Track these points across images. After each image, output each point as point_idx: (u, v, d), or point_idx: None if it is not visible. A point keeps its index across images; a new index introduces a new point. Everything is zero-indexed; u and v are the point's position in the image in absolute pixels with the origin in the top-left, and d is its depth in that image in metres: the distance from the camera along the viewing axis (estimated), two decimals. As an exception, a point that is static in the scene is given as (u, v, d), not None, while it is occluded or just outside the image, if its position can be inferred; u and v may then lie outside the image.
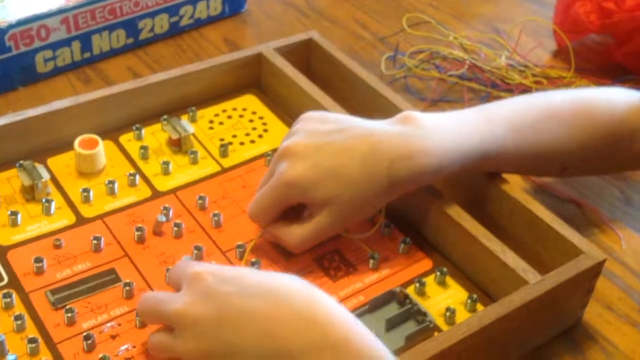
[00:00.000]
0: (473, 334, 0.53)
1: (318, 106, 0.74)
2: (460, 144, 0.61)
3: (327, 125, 0.62)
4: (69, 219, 0.65)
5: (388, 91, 0.77)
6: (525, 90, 0.86)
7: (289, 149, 0.60)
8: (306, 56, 0.84)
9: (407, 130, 0.60)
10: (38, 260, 0.60)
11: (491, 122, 0.63)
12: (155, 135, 0.73)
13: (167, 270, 0.60)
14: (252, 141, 0.74)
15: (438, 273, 0.61)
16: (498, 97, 0.85)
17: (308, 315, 0.47)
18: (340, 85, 0.81)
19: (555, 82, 0.88)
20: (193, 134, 0.72)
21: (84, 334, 0.55)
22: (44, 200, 0.65)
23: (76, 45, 0.83)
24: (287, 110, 0.78)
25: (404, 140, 0.59)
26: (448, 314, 0.58)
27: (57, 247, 0.62)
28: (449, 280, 0.62)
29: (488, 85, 0.87)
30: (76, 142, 0.68)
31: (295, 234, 0.60)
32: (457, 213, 0.63)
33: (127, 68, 0.85)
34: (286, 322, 0.47)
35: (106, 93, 0.72)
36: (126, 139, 0.73)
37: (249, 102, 0.79)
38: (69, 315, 0.56)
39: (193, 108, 0.76)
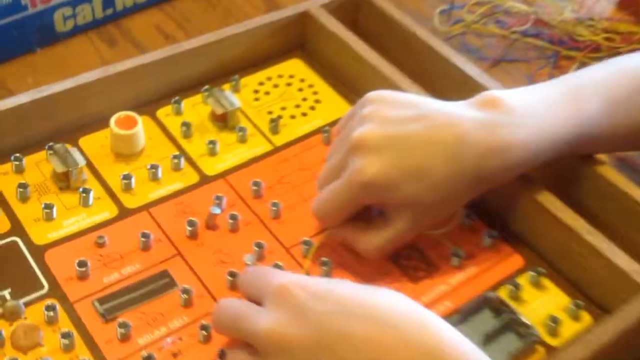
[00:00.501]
0: (594, 354, 0.46)
1: (377, 75, 0.66)
2: (554, 131, 0.54)
3: (401, 111, 0.53)
4: (110, 210, 0.57)
5: (449, 51, 0.68)
6: (595, 48, 0.78)
7: (362, 140, 0.52)
8: (353, 13, 0.75)
9: (495, 118, 0.52)
10: (82, 264, 0.52)
11: (583, 100, 0.55)
12: (196, 108, 0.65)
13: (231, 275, 0.53)
14: (304, 114, 0.66)
15: (533, 273, 0.55)
16: (567, 57, 0.77)
17: (419, 343, 0.41)
18: (393, 44, 0.72)
19: (628, 39, 0.80)
20: (239, 108, 0.64)
21: (143, 354, 0.48)
22: (80, 189, 0.57)
23: (97, 1, 0.73)
24: (339, 76, 0.69)
25: (494, 131, 0.52)
26: (551, 324, 0.52)
27: (100, 245, 0.55)
28: (545, 281, 0.55)
29: (555, 43, 0.79)
30: (112, 121, 0.60)
31: (371, 241, 0.53)
32: (550, 201, 0.56)
33: (154, 26, 0.76)
34: (395, 351, 0.41)
35: (139, 62, 0.63)
36: (164, 113, 0.64)
37: (295, 67, 0.70)
38: (123, 330, 0.49)
39: (236, 77, 0.67)
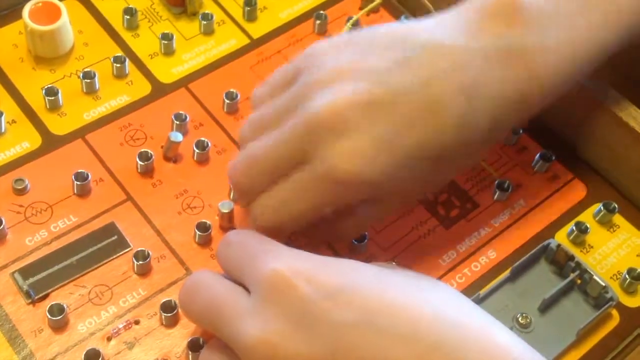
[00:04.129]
0: None
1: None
2: (590, 49, 0.37)
3: (376, 57, 0.35)
4: (30, 140, 0.42)
5: None
6: None
7: (331, 116, 0.33)
8: None
9: (512, 44, 0.35)
10: (-6, 223, 0.38)
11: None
12: (143, -13, 0.49)
13: (201, 228, 0.39)
14: (288, -8, 0.50)
15: (603, 209, 0.42)
16: None
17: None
18: None
19: None
20: (202, -14, 0.48)
21: (87, 349, 0.35)
22: (-14, 112, 0.41)
23: None
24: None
25: (513, 69, 0.35)
26: (627, 277, 0.39)
27: (19, 192, 0.40)
28: (618, 219, 0.42)
29: None
30: (26, 13, 0.43)
31: (347, 229, 0.38)
32: (625, 108, 0.42)
33: None
34: None
35: None
36: (99, -5, 0.48)
37: None
38: (56, 318, 0.36)
39: (194, -59, 0.50)
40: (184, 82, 0.45)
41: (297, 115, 0.34)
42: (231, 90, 0.44)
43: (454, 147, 0.35)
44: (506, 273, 0.39)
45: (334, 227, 0.37)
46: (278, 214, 0.35)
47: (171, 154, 0.42)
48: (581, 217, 0.42)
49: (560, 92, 0.37)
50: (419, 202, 0.42)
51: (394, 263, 0.39)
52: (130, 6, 0.47)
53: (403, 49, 0.35)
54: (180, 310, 0.36)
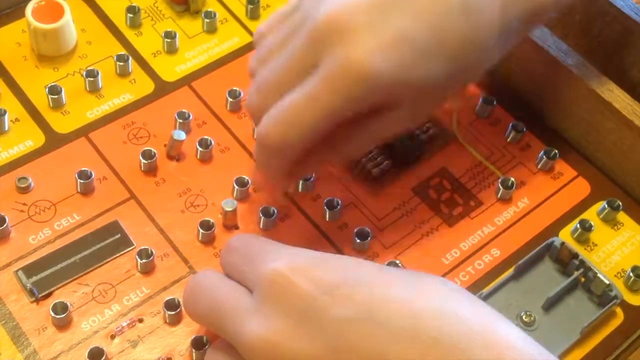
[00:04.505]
0: None
1: None
2: None
3: None
4: (34, 138, 0.42)
5: None
6: None
7: (338, 18, 0.33)
8: None
9: None
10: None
11: None
12: (146, -14, 0.49)
13: (205, 227, 0.39)
14: (290, -10, 0.50)
15: (607, 207, 0.42)
16: None
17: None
18: None
19: None
20: (204, -15, 0.48)
21: (91, 347, 0.35)
22: (-10, 110, 0.41)
23: None
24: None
25: None
26: (631, 275, 0.39)
27: (23, 190, 0.40)
28: (622, 217, 0.42)
29: None
30: (29, 12, 0.43)
31: (359, 141, 0.37)
32: (627, 105, 0.42)
33: None
34: None
35: None
36: (102, -6, 0.48)
37: None
38: (59, 316, 0.36)
39: (197, -60, 0.50)
40: (187, 80, 0.45)
41: (302, 31, 0.34)
42: (234, 88, 0.44)
43: (463, 38, 0.34)
44: (510, 271, 0.39)
45: (345, 142, 0.37)
46: (288, 124, 0.34)
47: (174, 153, 0.42)
48: (585, 215, 0.42)
49: None
50: (421, 201, 0.42)
51: (397, 262, 0.39)
52: (133, 4, 0.47)
53: None
54: (183, 306, 0.36)
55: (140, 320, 0.37)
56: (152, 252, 0.38)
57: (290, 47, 0.35)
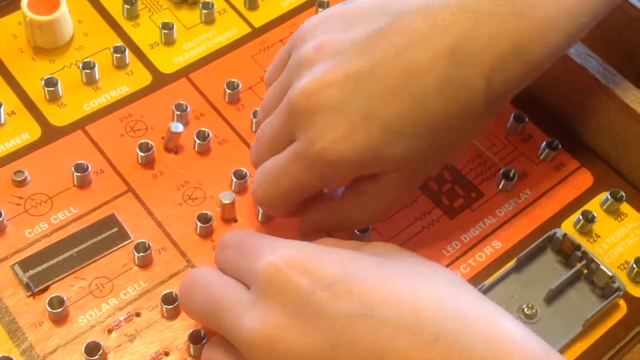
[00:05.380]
0: None
1: None
2: None
3: (356, 29, 0.34)
4: (30, 131, 0.42)
5: None
6: None
7: (310, 97, 0.33)
8: None
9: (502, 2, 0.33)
10: (-7, 214, 0.38)
11: None
12: (143, -23, 0.48)
13: (202, 220, 0.38)
14: (290, -21, 0.50)
15: (610, 198, 0.41)
16: None
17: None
18: None
19: None
20: (202, -25, 0.47)
21: (88, 342, 0.35)
22: (-15, 103, 0.41)
23: None
24: None
25: (508, 27, 0.33)
26: (635, 267, 0.39)
27: (19, 183, 0.39)
28: (625, 208, 0.42)
29: None
30: (24, 4, 0.43)
31: (356, 214, 0.37)
32: (630, 94, 0.41)
33: None
34: None
35: None
36: (99, -15, 0.47)
37: None
38: (56, 310, 0.36)
39: None
40: (185, 72, 0.45)
41: (285, 99, 0.35)
42: (232, 80, 0.44)
43: (444, 115, 0.33)
44: (512, 263, 0.38)
45: (339, 212, 0.37)
46: (268, 184, 0.36)
47: (172, 145, 0.41)
48: (588, 206, 0.41)
49: (559, 42, 0.34)
50: (422, 192, 0.41)
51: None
52: (130, -5, 0.46)
53: (388, 17, 0.34)
54: (180, 303, 0.35)
55: (138, 315, 0.36)
56: (149, 245, 0.38)
57: (275, 114, 0.36)
